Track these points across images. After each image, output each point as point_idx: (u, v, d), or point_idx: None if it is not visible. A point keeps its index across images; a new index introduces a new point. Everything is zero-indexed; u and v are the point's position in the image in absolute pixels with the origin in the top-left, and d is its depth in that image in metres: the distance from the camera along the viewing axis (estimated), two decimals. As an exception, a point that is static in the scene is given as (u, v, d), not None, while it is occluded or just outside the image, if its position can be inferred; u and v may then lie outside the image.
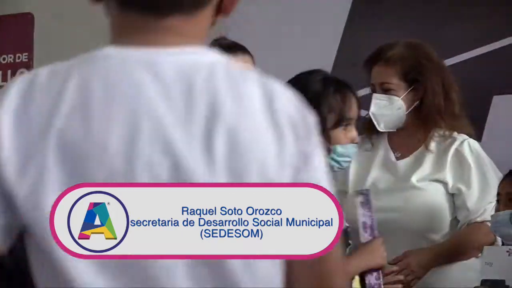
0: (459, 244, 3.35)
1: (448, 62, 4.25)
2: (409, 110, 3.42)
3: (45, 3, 6.07)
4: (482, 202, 3.34)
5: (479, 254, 3.34)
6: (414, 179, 3.41)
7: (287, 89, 1.50)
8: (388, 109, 3.43)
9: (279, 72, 4.40)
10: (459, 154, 3.37)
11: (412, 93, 3.42)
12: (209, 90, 1.43)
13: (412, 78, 3.41)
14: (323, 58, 4.49)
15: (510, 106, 4.26)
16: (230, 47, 4.05)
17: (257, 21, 4.67)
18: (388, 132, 3.48)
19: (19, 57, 6.06)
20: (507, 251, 3.19)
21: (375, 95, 3.44)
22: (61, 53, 6.06)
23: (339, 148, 2.88)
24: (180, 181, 1.42)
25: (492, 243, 3.31)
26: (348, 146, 2.91)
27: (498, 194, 3.32)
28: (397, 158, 3.49)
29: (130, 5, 1.52)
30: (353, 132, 2.92)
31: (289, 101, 1.48)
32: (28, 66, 6.04)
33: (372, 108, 3.43)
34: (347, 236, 2.96)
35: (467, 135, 3.43)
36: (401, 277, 3.18)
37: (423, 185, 3.41)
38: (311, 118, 1.49)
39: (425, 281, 3.39)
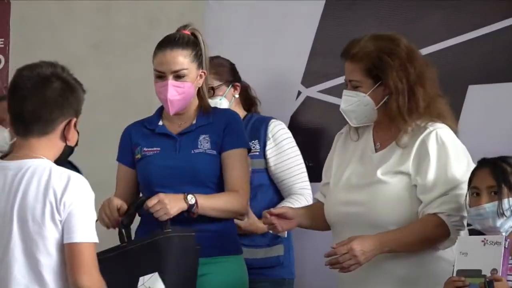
0: (406, 235, 3.33)
1: (424, 51, 4.27)
2: (379, 105, 3.42)
3: (21, -11, 6.03)
4: (434, 194, 3.33)
5: (441, 247, 3.36)
6: (379, 172, 3.43)
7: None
8: (357, 105, 3.44)
9: (255, 62, 4.43)
10: (423, 145, 3.37)
11: (380, 89, 3.42)
12: None
13: (376, 74, 3.41)
14: (300, 47, 4.47)
15: (485, 95, 4.25)
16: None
17: (233, 13, 4.67)
18: (374, 123, 3.49)
19: (-5, 43, 6.01)
20: (482, 241, 3.19)
21: (344, 92, 3.47)
22: (37, 39, 6.02)
23: None
24: None
25: (442, 236, 3.33)
26: None
27: (476, 187, 3.30)
28: (376, 151, 3.50)
29: None
30: None
31: None
32: (4, 52, 6.01)
33: (342, 105, 3.47)
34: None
35: (447, 124, 3.43)
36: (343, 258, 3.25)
37: (387, 178, 3.42)
38: None
39: (396, 272, 3.40)
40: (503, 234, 3.23)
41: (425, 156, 3.35)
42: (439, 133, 3.37)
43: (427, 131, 3.37)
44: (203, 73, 3.65)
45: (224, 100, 4.18)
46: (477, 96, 4.25)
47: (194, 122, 3.67)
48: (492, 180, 3.27)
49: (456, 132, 3.47)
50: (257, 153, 4.17)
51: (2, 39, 6.02)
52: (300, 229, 3.81)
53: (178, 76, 3.61)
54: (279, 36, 4.60)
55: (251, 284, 3.78)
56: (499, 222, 3.25)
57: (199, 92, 3.68)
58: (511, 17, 4.19)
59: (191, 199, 3.46)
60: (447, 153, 3.36)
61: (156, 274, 3.32)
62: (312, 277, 4.28)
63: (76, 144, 3.03)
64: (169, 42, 3.65)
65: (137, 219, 3.99)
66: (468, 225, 3.43)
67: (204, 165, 3.60)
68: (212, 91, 4.11)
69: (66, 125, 2.92)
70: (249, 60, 4.44)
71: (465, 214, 3.34)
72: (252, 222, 3.96)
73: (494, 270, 3.13)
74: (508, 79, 4.19)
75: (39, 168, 2.85)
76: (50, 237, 2.80)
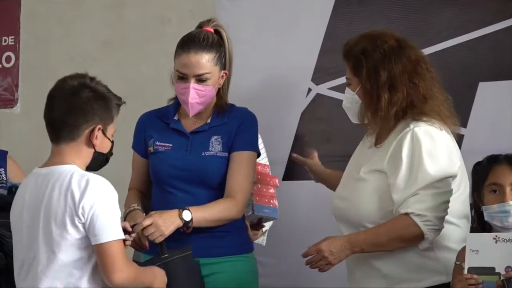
0: (376, 235, 3.35)
1: (435, 48, 4.31)
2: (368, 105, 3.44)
3: (31, -13, 6.04)
4: (405, 194, 3.32)
5: (420, 246, 3.36)
6: (362, 170, 3.46)
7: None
8: (351, 103, 3.50)
9: (266, 59, 4.42)
10: (399, 144, 3.37)
11: (367, 87, 3.43)
12: None
13: (361, 73, 3.44)
14: (310, 45, 4.49)
15: (495, 92, 4.23)
16: None
17: (243, 11, 4.67)
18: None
19: (5, 40, 6.05)
20: (494, 238, 3.19)
21: (346, 90, 3.52)
22: (47, 36, 6.03)
23: None
24: None
25: (417, 236, 3.32)
26: None
27: (497, 184, 3.28)
28: (374, 145, 3.53)
29: None
30: None
31: None
32: (15, 49, 6.02)
33: (344, 101, 3.54)
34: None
35: (445, 122, 3.41)
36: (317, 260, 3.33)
37: (366, 175, 3.45)
38: None
39: (382, 269, 3.43)
40: None
41: (398, 155, 3.36)
42: (416, 131, 3.35)
43: (405, 130, 3.37)
44: (224, 74, 3.62)
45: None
46: (488, 93, 4.23)
47: (209, 121, 3.64)
48: None
49: (455, 130, 3.47)
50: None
51: (13, 37, 6.03)
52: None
53: (200, 80, 3.57)
54: (289, 33, 4.59)
55: None
56: (521, 220, 3.26)
57: (219, 91, 3.65)
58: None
59: (186, 216, 3.44)
60: (420, 151, 3.34)
61: None
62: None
63: (111, 153, 3.19)
64: (193, 43, 3.58)
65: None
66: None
67: (213, 169, 3.57)
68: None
69: (91, 131, 3.06)
70: (259, 57, 4.45)
71: (441, 213, 3.34)
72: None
73: (509, 268, 3.13)
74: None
75: (63, 173, 3.01)
76: (71, 238, 2.96)
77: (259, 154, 3.71)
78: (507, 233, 3.20)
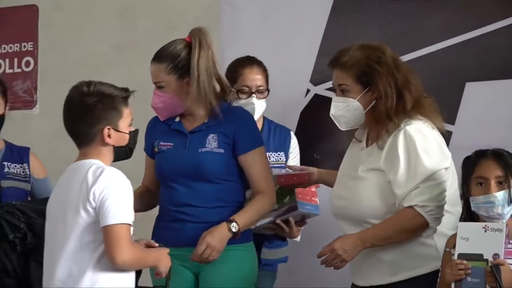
0: (384, 230, 3.35)
1: (425, 51, 4.33)
2: (367, 109, 3.43)
3: (48, -4, 6.03)
4: (407, 188, 3.32)
5: (424, 235, 3.36)
6: (360, 169, 3.45)
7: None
8: (346, 110, 3.47)
9: (267, 62, 4.39)
10: (394, 142, 3.37)
11: (368, 94, 3.43)
12: None
13: (366, 81, 3.42)
14: (308, 49, 4.49)
15: (481, 92, 4.22)
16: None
17: (246, 17, 4.66)
18: (364, 125, 3.51)
19: (24, 46, 6.05)
20: (483, 227, 3.18)
21: (333, 98, 3.50)
22: (63, 42, 6.01)
23: None
24: None
25: (422, 226, 3.32)
26: None
27: (482, 177, 3.28)
28: (366, 146, 3.53)
29: None
30: None
31: None
32: (33, 54, 6.01)
33: (332, 110, 3.50)
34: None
35: (433, 121, 3.41)
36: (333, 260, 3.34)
37: (364, 174, 3.44)
38: None
39: (384, 259, 3.42)
40: (503, 221, 3.22)
41: (394, 153, 3.35)
42: (407, 130, 3.35)
43: (398, 129, 3.36)
44: (188, 81, 3.56)
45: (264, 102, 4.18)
46: (474, 92, 4.22)
47: (206, 121, 3.62)
48: (500, 170, 3.26)
49: (441, 128, 3.46)
50: (283, 164, 4.16)
51: (32, 43, 6.03)
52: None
53: (159, 87, 3.62)
54: (289, 38, 4.58)
55: None
56: (506, 210, 3.24)
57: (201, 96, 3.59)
58: (507, 18, 4.16)
59: (234, 227, 3.46)
60: (415, 148, 3.34)
61: None
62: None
63: (134, 141, 3.20)
64: (155, 55, 3.66)
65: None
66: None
67: (209, 163, 3.55)
68: (266, 92, 4.15)
69: (101, 133, 3.08)
70: (261, 59, 4.41)
71: (441, 202, 3.35)
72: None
73: (496, 255, 3.12)
74: (504, 77, 4.17)
75: (84, 165, 3.05)
76: (83, 222, 2.97)
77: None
78: (496, 223, 3.20)
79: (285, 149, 4.20)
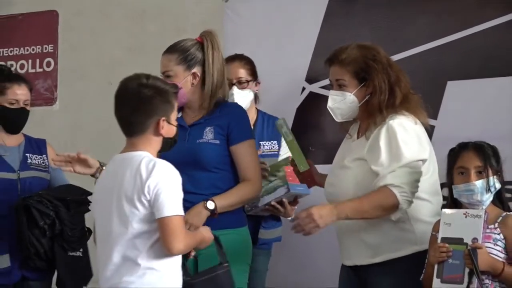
0: (360, 203, 3.27)
1: (411, 52, 4.31)
2: (361, 102, 3.43)
3: (68, 2, 6.04)
4: (385, 171, 3.29)
5: (392, 217, 3.30)
6: (346, 159, 3.44)
7: None
8: (343, 103, 3.44)
9: (266, 62, 4.39)
10: (377, 135, 3.35)
11: (363, 89, 3.42)
12: None
13: (362, 77, 3.41)
14: (304, 49, 4.47)
15: (461, 89, 4.20)
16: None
17: (247, 20, 4.64)
18: (357, 118, 3.50)
19: (45, 48, 6.05)
20: (464, 214, 3.19)
21: (331, 92, 3.47)
22: (81, 44, 6.01)
23: None
24: None
25: (393, 206, 3.26)
26: None
27: (463, 167, 3.28)
28: (357, 138, 3.51)
29: None
30: None
31: None
32: (54, 55, 6.01)
33: (329, 103, 3.47)
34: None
35: (418, 116, 3.40)
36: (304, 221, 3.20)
37: (349, 163, 3.43)
38: None
39: (367, 240, 3.40)
40: (483, 207, 3.22)
41: (376, 144, 3.33)
42: (390, 123, 3.34)
43: (384, 123, 3.35)
44: (194, 74, 3.57)
45: (252, 93, 4.19)
46: (455, 90, 4.21)
47: (204, 115, 3.61)
48: (479, 161, 3.25)
49: (425, 123, 3.44)
50: (276, 152, 4.16)
51: (52, 45, 6.03)
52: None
53: (167, 76, 3.57)
54: (286, 40, 4.57)
55: None
56: (485, 197, 3.24)
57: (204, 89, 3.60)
58: (484, 23, 4.14)
59: (210, 205, 3.43)
60: (396, 139, 3.32)
61: None
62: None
63: (177, 134, 3.17)
64: (166, 49, 3.64)
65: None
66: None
67: (205, 153, 3.53)
68: (246, 83, 4.17)
69: (157, 124, 3.03)
70: (261, 59, 4.41)
71: (414, 189, 3.31)
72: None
73: (475, 239, 3.13)
74: (481, 76, 4.15)
75: (135, 158, 2.99)
76: (139, 213, 2.93)
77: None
78: (475, 210, 3.20)
79: (278, 138, 4.18)
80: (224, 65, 3.64)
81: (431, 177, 3.46)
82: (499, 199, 3.31)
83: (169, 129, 3.07)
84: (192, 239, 3.05)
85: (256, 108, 4.28)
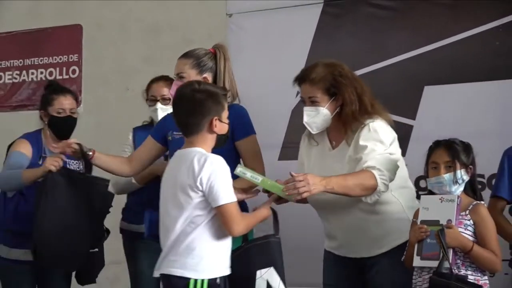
0: (346, 179, 3.17)
1: (392, 60, 4.31)
2: (333, 114, 3.37)
3: (90, 17, 6.04)
4: (367, 157, 3.23)
5: (368, 199, 3.24)
6: (337, 167, 3.34)
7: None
8: (317, 117, 3.37)
9: (265, 69, 4.39)
10: (358, 136, 3.31)
11: (334, 102, 3.36)
12: None
13: (332, 92, 3.35)
14: (298, 59, 4.45)
15: (437, 93, 4.20)
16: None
17: (248, 34, 4.63)
18: (327, 129, 3.44)
19: (71, 58, 6.05)
20: (440, 199, 3.21)
21: (305, 108, 3.39)
22: (102, 54, 6.02)
23: None
24: None
25: (372, 187, 3.18)
26: None
27: (435, 162, 3.29)
28: (333, 148, 3.44)
29: None
30: None
31: None
32: (78, 64, 6.03)
33: (305, 119, 3.39)
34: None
35: (384, 118, 3.37)
36: (298, 184, 3.05)
37: (342, 171, 3.30)
38: None
39: (368, 232, 3.37)
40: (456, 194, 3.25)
41: (358, 140, 3.29)
42: (371, 124, 3.30)
43: (362, 126, 3.32)
44: (204, 78, 3.54)
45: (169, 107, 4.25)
46: (431, 94, 4.21)
47: None
48: (448, 157, 3.26)
49: (390, 122, 3.40)
50: None
51: (77, 55, 6.04)
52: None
53: (180, 77, 3.56)
54: (283, 49, 4.55)
55: None
56: (453, 188, 3.25)
57: None
58: (456, 35, 4.15)
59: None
60: (376, 133, 3.29)
61: (272, 268, 3.11)
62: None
63: (229, 130, 3.16)
64: (182, 54, 3.63)
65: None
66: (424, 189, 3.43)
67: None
68: (168, 100, 4.23)
69: (210, 123, 3.03)
70: (260, 66, 4.44)
71: (391, 176, 3.25)
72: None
73: (449, 220, 3.15)
74: (455, 81, 4.16)
75: (189, 154, 3.00)
76: (192, 202, 2.94)
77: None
78: (450, 195, 3.22)
79: None
80: (233, 75, 3.64)
81: (406, 170, 3.48)
82: (472, 189, 3.32)
83: (221, 127, 3.06)
84: (252, 219, 3.04)
85: None
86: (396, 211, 3.37)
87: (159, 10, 5.78)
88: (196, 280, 2.89)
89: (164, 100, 4.27)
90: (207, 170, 2.91)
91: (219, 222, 2.95)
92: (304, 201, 3.36)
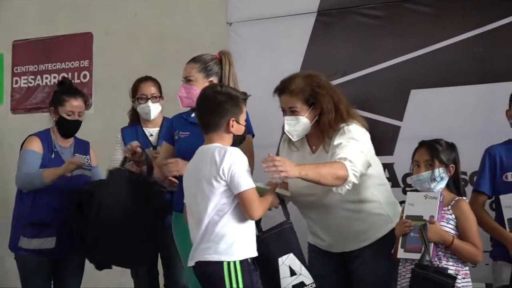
0: (319, 167, 3.14)
1: (381, 66, 4.29)
2: (312, 122, 3.36)
3: (100, 26, 6.05)
4: (340, 151, 3.21)
5: (339, 189, 3.19)
6: None
7: None
8: (297, 126, 3.36)
9: (262, 76, 4.40)
10: (334, 138, 3.30)
11: (313, 111, 3.35)
12: None
13: (311, 102, 3.34)
14: (292, 67, 4.44)
15: (423, 96, 4.19)
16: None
17: (247, 42, 4.62)
18: (306, 135, 3.43)
19: (82, 63, 6.06)
20: (424, 196, 3.23)
21: (286, 118, 3.38)
22: (111, 60, 6.02)
23: None
24: None
25: (343, 177, 3.14)
26: None
27: (417, 161, 3.31)
28: (313, 152, 3.43)
29: None
30: None
31: None
32: (89, 69, 6.04)
33: (286, 127, 3.37)
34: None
35: (359, 122, 3.37)
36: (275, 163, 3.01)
37: None
38: None
39: (353, 227, 3.36)
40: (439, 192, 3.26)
41: (335, 140, 3.29)
42: (346, 128, 3.31)
43: (340, 128, 3.32)
44: (210, 81, 3.57)
45: (160, 106, 4.44)
46: (417, 97, 4.20)
47: None
48: (428, 156, 3.29)
49: (365, 126, 3.38)
50: None
51: (88, 60, 6.05)
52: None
53: (188, 80, 3.59)
54: (279, 55, 4.53)
55: None
56: (432, 185, 3.27)
57: None
58: (441, 41, 4.14)
59: None
60: (350, 133, 3.28)
61: (292, 254, 3.14)
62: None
63: (246, 132, 3.19)
64: (190, 59, 3.66)
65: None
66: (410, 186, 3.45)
67: None
68: (157, 98, 4.40)
69: (228, 124, 3.06)
70: (258, 71, 4.42)
71: (363, 169, 3.22)
72: None
73: (432, 216, 3.18)
74: (439, 85, 4.15)
75: (211, 148, 3.04)
76: (216, 191, 2.97)
77: (253, 135, 3.67)
78: (433, 193, 3.24)
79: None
80: (237, 80, 3.65)
81: (381, 169, 3.49)
82: (455, 186, 3.34)
83: (238, 128, 3.09)
84: (265, 203, 3.06)
85: (162, 115, 4.44)
86: (375, 208, 3.37)
87: (164, 18, 5.79)
88: (229, 263, 2.93)
89: (154, 98, 4.38)
90: (227, 160, 2.95)
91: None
92: (288, 199, 3.36)
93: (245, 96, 3.15)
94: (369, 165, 3.30)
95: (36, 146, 4.11)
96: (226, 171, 2.94)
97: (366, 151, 3.29)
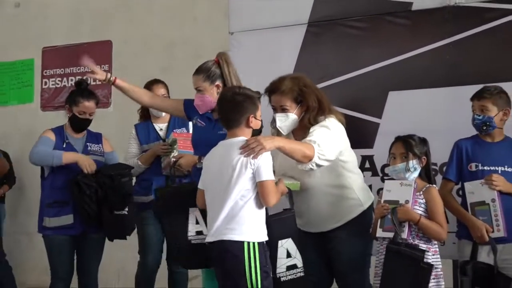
0: (290, 142, 3.18)
1: (364, 70, 4.26)
2: (300, 117, 3.38)
3: (119, 34, 6.07)
4: (312, 135, 3.23)
5: (303, 166, 3.19)
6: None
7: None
8: (287, 121, 3.38)
9: (258, 79, 4.42)
10: (312, 129, 3.31)
11: (300, 108, 3.37)
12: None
13: (300, 100, 3.36)
14: (287, 69, 4.42)
15: (399, 97, 4.18)
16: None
17: (246, 48, 4.59)
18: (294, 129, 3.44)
19: (102, 67, 6.10)
20: (400, 183, 3.26)
21: (277, 115, 3.40)
22: (129, 65, 6.04)
23: None
24: None
25: (308, 157, 3.15)
26: None
27: (393, 154, 3.32)
28: None
29: None
30: None
31: None
32: (109, 72, 6.03)
33: (277, 123, 3.39)
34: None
35: (337, 117, 3.38)
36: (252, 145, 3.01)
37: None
38: None
39: (329, 212, 3.38)
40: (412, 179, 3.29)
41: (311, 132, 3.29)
42: (323, 121, 3.33)
43: (319, 121, 3.34)
44: (217, 85, 3.54)
45: None
46: (394, 97, 4.18)
47: None
48: (403, 149, 3.30)
49: (342, 121, 3.39)
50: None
51: (107, 65, 6.08)
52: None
53: (199, 90, 3.55)
54: (273, 61, 4.49)
55: None
56: (407, 175, 3.29)
57: None
58: (416, 49, 4.13)
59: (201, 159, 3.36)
60: (324, 123, 3.30)
61: (290, 239, 3.16)
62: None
63: (262, 127, 3.19)
64: (194, 71, 3.60)
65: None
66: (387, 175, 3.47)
67: (221, 140, 3.45)
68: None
69: (247, 120, 3.07)
70: (256, 75, 4.30)
71: (330, 155, 3.21)
72: None
73: (407, 201, 3.20)
74: (415, 88, 4.13)
75: (237, 141, 3.05)
76: (243, 177, 2.99)
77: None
78: (408, 181, 3.26)
79: (186, 125, 4.31)
80: (239, 76, 3.60)
81: (355, 160, 3.49)
82: (426, 175, 3.36)
83: (256, 123, 3.11)
84: (279, 193, 3.08)
85: None
86: (350, 193, 3.40)
87: (175, 28, 5.81)
88: (249, 243, 2.95)
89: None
90: None
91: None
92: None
93: (259, 95, 3.18)
94: (339, 153, 3.29)
95: (50, 135, 4.17)
96: (253, 161, 2.96)
97: (337, 140, 3.29)
